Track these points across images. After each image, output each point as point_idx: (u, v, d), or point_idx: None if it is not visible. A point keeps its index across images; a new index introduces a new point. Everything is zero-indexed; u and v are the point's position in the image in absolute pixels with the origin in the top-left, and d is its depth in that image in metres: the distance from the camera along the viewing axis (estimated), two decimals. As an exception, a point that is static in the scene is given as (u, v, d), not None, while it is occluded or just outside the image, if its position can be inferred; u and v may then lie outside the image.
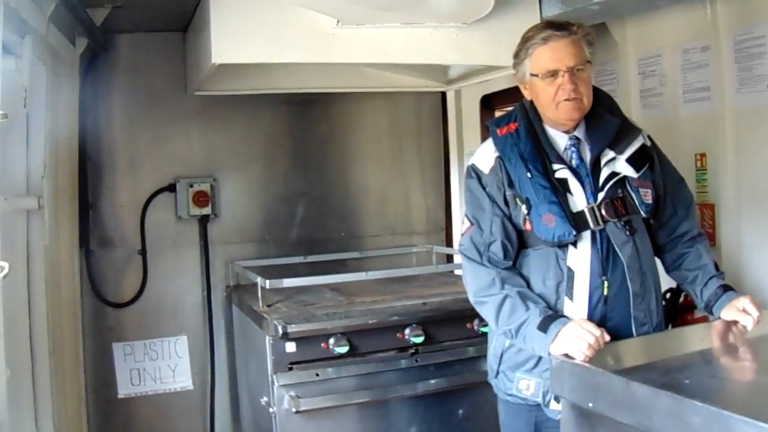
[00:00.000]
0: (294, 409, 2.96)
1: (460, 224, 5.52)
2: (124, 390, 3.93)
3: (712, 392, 1.73)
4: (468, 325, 3.29)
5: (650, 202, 2.39)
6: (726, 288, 2.37)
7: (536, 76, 2.37)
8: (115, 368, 3.92)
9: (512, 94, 5.26)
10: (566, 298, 2.35)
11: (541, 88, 2.37)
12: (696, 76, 3.34)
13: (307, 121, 4.31)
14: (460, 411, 3.29)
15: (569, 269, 2.35)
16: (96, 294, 3.89)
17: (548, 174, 2.36)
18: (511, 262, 2.42)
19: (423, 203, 4.60)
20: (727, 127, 3.15)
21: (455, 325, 3.28)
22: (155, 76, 3.99)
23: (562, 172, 2.37)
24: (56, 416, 3.03)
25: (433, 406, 3.25)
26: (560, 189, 2.35)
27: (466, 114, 5.81)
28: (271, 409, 3.05)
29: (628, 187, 2.39)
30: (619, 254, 2.35)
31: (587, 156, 2.40)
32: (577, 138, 2.42)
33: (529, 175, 2.36)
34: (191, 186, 4.00)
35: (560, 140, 2.43)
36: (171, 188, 4.01)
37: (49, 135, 3.05)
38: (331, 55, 3.11)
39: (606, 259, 2.35)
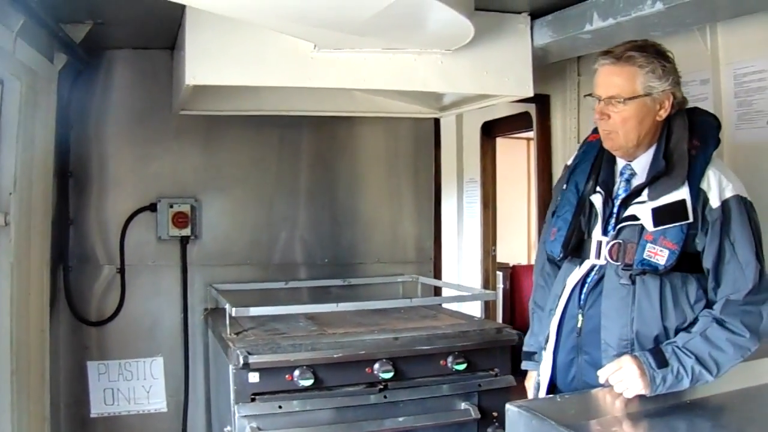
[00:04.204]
0: (253, 442, 2.88)
1: (449, 254, 5.48)
2: (97, 409, 3.88)
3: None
4: (441, 362, 3.19)
5: (660, 263, 2.17)
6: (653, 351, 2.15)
7: (590, 95, 2.35)
8: (89, 387, 3.87)
9: (514, 122, 5.24)
10: (557, 311, 2.41)
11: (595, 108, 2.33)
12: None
13: (294, 144, 4.26)
14: (431, 450, 3.19)
15: (565, 287, 2.39)
16: (72, 311, 3.84)
17: (583, 193, 2.39)
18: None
19: (411, 232, 4.51)
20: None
21: (428, 361, 3.18)
22: (141, 94, 3.96)
23: (595, 197, 2.36)
24: (16, 436, 2.97)
25: (402, 443, 3.16)
26: (585, 212, 2.36)
27: (467, 140, 5.78)
28: (232, 440, 2.97)
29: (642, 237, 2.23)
30: (603, 295, 2.27)
31: None
32: (632, 169, 2.34)
33: (564, 186, 2.45)
34: (171, 206, 3.95)
35: (620, 166, 2.38)
36: (152, 207, 3.96)
37: (22, 151, 3.01)
38: (309, 79, 3.05)
39: (588, 294, 2.32)
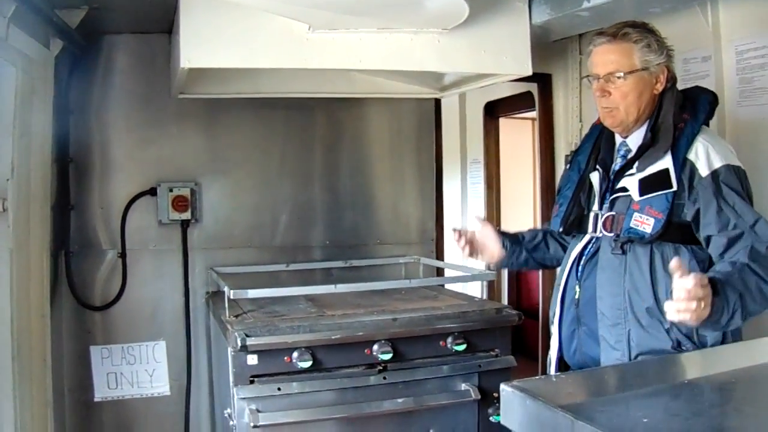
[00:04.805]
0: (252, 424, 2.87)
1: (450, 234, 5.48)
2: (100, 393, 3.90)
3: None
4: (441, 343, 3.18)
5: (646, 231, 2.27)
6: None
7: (588, 77, 2.46)
8: (92, 371, 3.89)
9: (516, 102, 5.20)
10: (560, 285, 2.53)
11: (593, 90, 2.45)
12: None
13: (294, 126, 4.23)
14: (431, 431, 3.17)
15: (567, 259, 2.54)
16: (75, 296, 3.85)
17: (584, 172, 2.55)
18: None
19: (413, 213, 4.49)
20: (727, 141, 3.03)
21: (427, 342, 3.17)
22: (141, 78, 3.95)
23: (593, 175, 2.51)
24: (19, 420, 2.98)
25: (403, 424, 3.14)
26: (585, 189, 2.51)
27: (470, 120, 5.75)
28: (231, 422, 2.98)
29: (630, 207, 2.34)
30: (598, 267, 2.40)
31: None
32: (627, 145, 2.46)
33: (568, 166, 2.63)
34: (171, 190, 3.95)
35: (618, 143, 2.51)
36: (153, 192, 3.96)
37: (19, 137, 3.01)
38: (305, 60, 3.01)
39: (585, 265, 2.44)
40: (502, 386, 1.97)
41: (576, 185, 2.56)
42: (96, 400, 3.90)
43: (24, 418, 3.05)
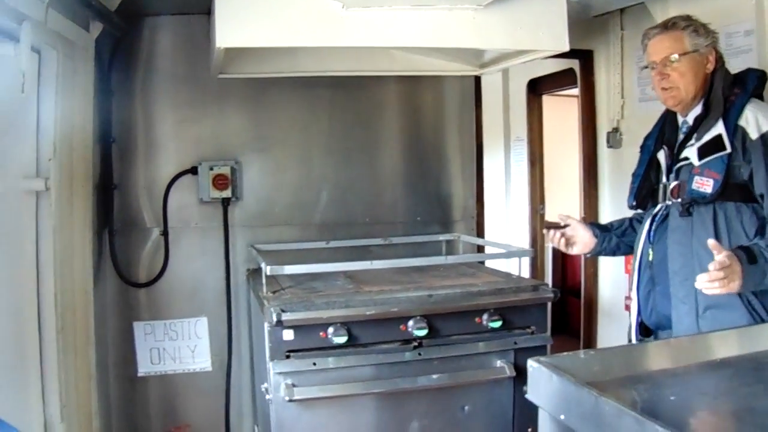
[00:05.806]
0: (288, 398, 2.93)
1: (495, 213, 5.45)
2: (143, 368, 4.00)
3: (690, 413, 1.60)
4: (477, 320, 3.19)
5: (707, 191, 2.52)
6: (743, 249, 2.34)
7: (647, 67, 2.76)
8: (136, 347, 3.98)
9: (559, 78, 5.14)
10: (637, 253, 2.79)
11: (652, 77, 2.74)
12: (739, 61, 3.16)
13: (334, 104, 4.24)
14: (466, 407, 3.20)
15: (641, 231, 2.80)
16: (118, 273, 3.94)
17: (652, 152, 2.82)
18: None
19: (454, 190, 4.47)
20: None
21: (462, 318, 3.18)
22: (181, 59, 4.01)
23: (660, 154, 2.79)
24: (63, 392, 3.07)
25: (437, 400, 3.18)
26: (654, 166, 2.79)
27: (513, 98, 5.70)
28: (267, 396, 3.03)
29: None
30: (668, 230, 2.66)
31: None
32: (688, 122, 2.71)
33: (639, 150, 2.92)
34: (211, 169, 4.00)
35: (680, 123, 2.77)
36: (194, 171, 4.01)
37: (60, 118, 3.07)
38: (339, 38, 3.00)
39: (656, 230, 2.71)
40: (530, 362, 1.96)
41: (646, 164, 2.83)
42: (139, 374, 4.00)
43: (68, 390, 3.14)
